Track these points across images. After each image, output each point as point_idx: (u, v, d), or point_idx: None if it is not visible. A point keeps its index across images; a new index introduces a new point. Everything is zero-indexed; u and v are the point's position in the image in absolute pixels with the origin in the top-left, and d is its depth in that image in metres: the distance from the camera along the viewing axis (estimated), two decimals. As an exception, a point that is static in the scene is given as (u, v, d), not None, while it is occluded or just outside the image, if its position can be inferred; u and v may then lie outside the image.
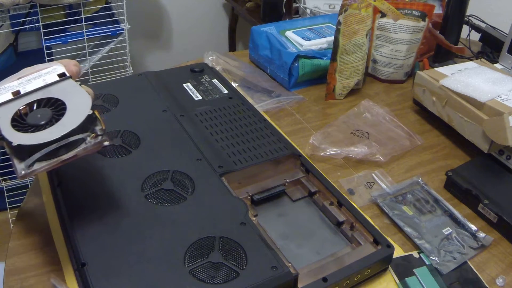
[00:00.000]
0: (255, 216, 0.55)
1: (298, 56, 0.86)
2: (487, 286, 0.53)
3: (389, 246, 0.52)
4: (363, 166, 0.71)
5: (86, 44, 1.43)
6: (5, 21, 1.41)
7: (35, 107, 0.46)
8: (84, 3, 1.38)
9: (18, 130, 0.44)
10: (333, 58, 0.84)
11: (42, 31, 1.35)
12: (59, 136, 0.42)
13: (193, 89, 0.74)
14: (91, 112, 0.45)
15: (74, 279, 0.48)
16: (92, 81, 1.54)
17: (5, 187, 1.55)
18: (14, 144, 0.42)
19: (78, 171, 0.55)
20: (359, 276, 0.50)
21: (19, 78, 0.49)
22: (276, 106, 0.84)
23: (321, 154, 0.71)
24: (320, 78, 0.90)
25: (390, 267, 0.54)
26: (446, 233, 0.59)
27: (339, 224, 0.56)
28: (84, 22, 1.39)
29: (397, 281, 0.53)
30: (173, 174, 0.56)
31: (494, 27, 1.07)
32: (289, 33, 0.95)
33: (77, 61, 0.53)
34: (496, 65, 0.94)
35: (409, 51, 0.91)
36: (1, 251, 1.39)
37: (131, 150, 0.59)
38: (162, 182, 0.54)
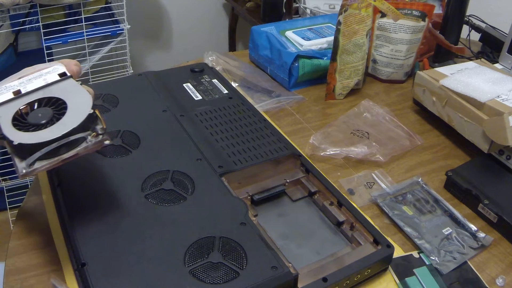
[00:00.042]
0: (255, 216, 0.55)
1: (298, 56, 0.86)
2: (487, 286, 0.53)
3: (389, 246, 0.52)
4: (363, 166, 0.71)
5: (86, 44, 1.43)
6: (5, 21, 1.41)
7: (36, 107, 0.46)
8: (84, 3, 1.38)
9: (19, 129, 0.44)
10: (333, 58, 0.84)
11: (42, 31, 1.35)
12: (60, 135, 0.43)
13: (193, 89, 0.74)
14: (92, 111, 0.45)
15: (74, 279, 0.48)
16: (92, 81, 1.54)
17: (5, 187, 1.55)
18: (15, 143, 0.42)
19: (78, 171, 0.55)
20: (359, 276, 0.50)
21: (19, 78, 0.49)
22: (276, 106, 0.84)
23: (321, 154, 0.71)
24: (320, 78, 0.90)
25: (390, 267, 0.54)
26: (446, 233, 0.59)
27: (339, 224, 0.56)
28: (84, 22, 1.39)
29: (397, 281, 0.53)
30: (173, 174, 0.56)
31: (494, 27, 1.07)
32: (289, 33, 0.95)
33: (77, 61, 0.53)
34: (496, 65, 0.94)
35: (409, 51, 0.91)
36: (1, 251, 1.39)
37: (131, 150, 0.59)
38: (162, 182, 0.54)
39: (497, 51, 1.01)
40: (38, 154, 0.42)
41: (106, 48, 1.51)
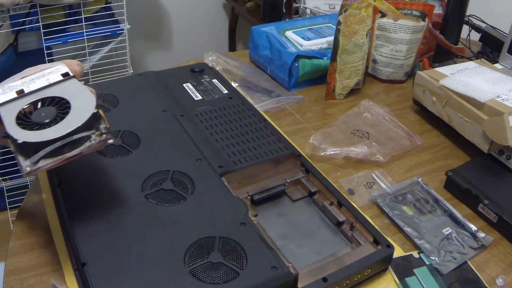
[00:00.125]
0: (255, 216, 0.55)
1: (298, 56, 0.86)
2: (487, 286, 0.53)
3: (389, 246, 0.52)
4: (363, 166, 0.71)
5: (86, 44, 1.43)
6: (5, 21, 1.41)
7: (39, 106, 0.46)
8: (84, 3, 1.38)
9: (23, 128, 0.44)
10: (333, 58, 0.84)
11: (42, 31, 1.35)
12: (65, 133, 0.43)
13: (193, 89, 0.74)
14: (96, 110, 0.45)
15: (74, 279, 0.48)
16: (92, 81, 1.54)
17: (5, 187, 1.55)
18: (20, 141, 0.42)
19: (78, 171, 0.55)
20: (359, 276, 0.50)
21: (22, 78, 0.49)
22: (276, 106, 0.84)
23: (321, 154, 0.71)
24: (320, 78, 0.90)
25: (390, 267, 0.54)
26: (446, 233, 0.59)
27: (339, 224, 0.56)
28: (84, 22, 1.39)
29: (397, 281, 0.53)
30: (173, 174, 0.56)
31: (494, 27, 1.07)
32: (289, 33, 0.95)
33: (78, 61, 0.53)
34: (496, 65, 0.94)
35: (409, 51, 0.91)
36: (1, 251, 1.39)
37: (131, 150, 0.59)
38: (162, 182, 0.54)
39: (497, 51, 1.01)
40: (42, 153, 0.42)
41: (106, 48, 1.51)
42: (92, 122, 0.45)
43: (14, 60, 1.52)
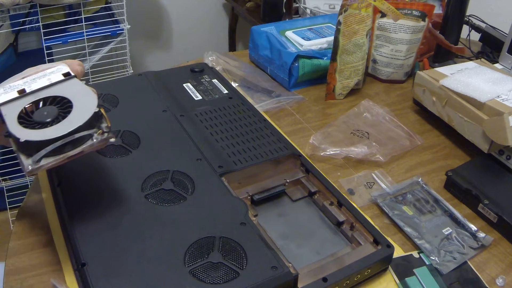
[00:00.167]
0: (255, 216, 0.55)
1: (298, 56, 0.86)
2: (487, 286, 0.53)
3: (389, 246, 0.52)
4: (363, 166, 0.71)
5: (86, 44, 1.43)
6: (5, 21, 1.41)
7: (41, 105, 0.47)
8: (84, 3, 1.38)
9: (25, 127, 0.44)
10: (333, 58, 0.84)
11: (42, 31, 1.35)
12: (66, 132, 0.43)
13: (193, 89, 0.74)
14: (97, 109, 0.45)
15: (74, 279, 0.48)
16: (92, 81, 1.54)
17: (5, 187, 1.55)
18: (22, 140, 0.42)
19: (78, 171, 0.55)
20: (359, 276, 0.50)
21: (23, 78, 0.49)
22: (276, 106, 0.84)
23: (321, 154, 0.71)
24: (320, 78, 0.90)
25: (390, 267, 0.54)
26: (446, 233, 0.59)
27: (339, 224, 0.56)
28: (84, 22, 1.39)
29: (397, 281, 0.53)
30: (173, 174, 0.56)
31: (494, 27, 1.07)
32: (289, 33, 0.95)
33: (79, 61, 0.53)
34: (496, 65, 0.94)
35: (409, 51, 0.91)
36: (1, 251, 1.39)
37: (131, 150, 0.59)
38: (162, 182, 0.54)
39: (497, 51, 1.01)
40: (44, 151, 0.42)
41: (106, 48, 1.51)
42: (94, 121, 0.45)
43: (14, 60, 1.52)
